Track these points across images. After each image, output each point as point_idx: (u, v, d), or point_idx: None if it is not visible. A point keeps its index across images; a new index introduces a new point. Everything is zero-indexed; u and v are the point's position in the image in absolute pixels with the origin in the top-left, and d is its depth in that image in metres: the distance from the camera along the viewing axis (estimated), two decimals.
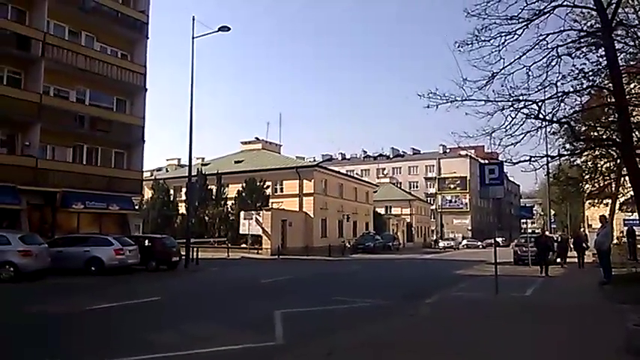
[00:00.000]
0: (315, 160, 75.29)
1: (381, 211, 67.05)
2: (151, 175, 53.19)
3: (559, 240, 28.77)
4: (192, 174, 28.98)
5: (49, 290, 15.88)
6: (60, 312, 11.36)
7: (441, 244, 71.48)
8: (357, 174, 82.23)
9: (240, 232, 38.59)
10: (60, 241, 20.92)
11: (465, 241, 75.16)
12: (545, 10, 11.90)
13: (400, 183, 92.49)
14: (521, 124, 12.52)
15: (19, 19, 25.06)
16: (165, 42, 63.30)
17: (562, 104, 12.76)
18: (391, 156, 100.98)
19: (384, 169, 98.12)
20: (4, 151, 24.38)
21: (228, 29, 25.51)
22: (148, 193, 42.40)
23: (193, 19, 26.10)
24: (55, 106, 25.57)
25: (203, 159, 57.41)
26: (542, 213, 76.30)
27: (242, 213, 38.63)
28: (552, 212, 50.03)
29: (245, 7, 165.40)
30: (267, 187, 43.06)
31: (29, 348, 7.87)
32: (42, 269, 17.78)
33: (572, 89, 12.66)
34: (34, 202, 24.46)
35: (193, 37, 25.94)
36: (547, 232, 29.60)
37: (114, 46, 29.64)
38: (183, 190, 34.79)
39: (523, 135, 12.60)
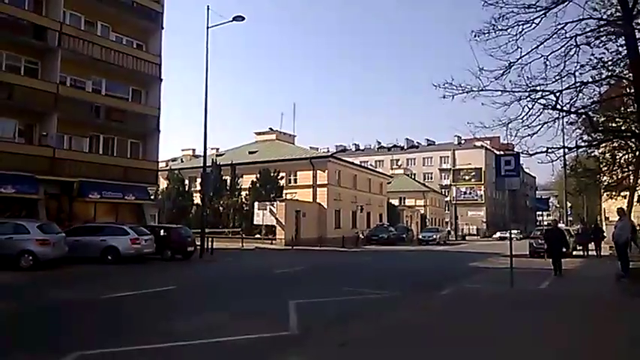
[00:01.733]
0: (328, 151, 75.13)
1: (395, 202, 66.87)
2: (166, 166, 53.49)
3: (579, 232, 28.51)
4: (207, 164, 29.11)
5: (67, 278, 16.12)
6: (76, 300, 11.52)
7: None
8: (371, 165, 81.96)
9: (254, 222, 38.76)
10: (77, 231, 21.17)
11: (498, 234, 73.32)
12: None
13: (414, 174, 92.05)
14: (538, 115, 12.37)
15: (36, 9, 25.29)
16: (180, 32, 63.40)
17: (580, 94, 12.58)
18: (405, 147, 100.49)
19: (398, 160, 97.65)
20: (23, 141, 24.68)
21: (243, 19, 25.48)
22: (163, 184, 42.73)
23: (208, 9, 26.12)
24: (71, 96, 25.82)
25: (217, 149, 57.61)
26: (558, 205, 75.49)
27: (256, 203, 38.78)
28: (569, 204, 49.45)
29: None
30: (281, 177, 43.11)
31: (47, 335, 8.00)
32: (59, 258, 18.05)
33: (590, 79, 12.47)
34: (52, 192, 24.78)
35: (208, 27, 25.97)
36: (561, 224, 29.18)
37: (129, 36, 29.83)
38: (198, 180, 34.97)
39: (540, 126, 12.45)
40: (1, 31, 22.94)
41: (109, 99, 27.98)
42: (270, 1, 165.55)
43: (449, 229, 59.00)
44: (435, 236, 49.91)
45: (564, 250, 18.34)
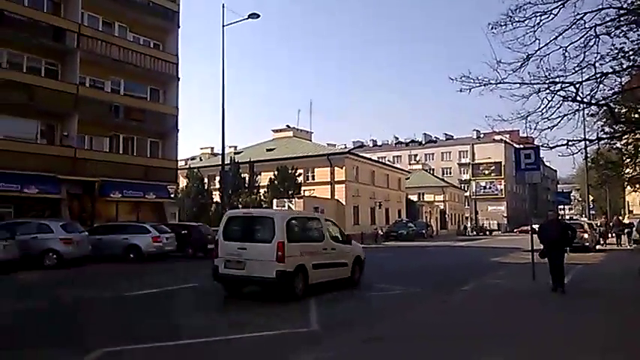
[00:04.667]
0: (346, 147, 75.00)
1: (414, 198, 66.56)
2: (186, 164, 53.98)
3: (600, 225, 28.12)
4: (226, 162, 29.27)
5: (90, 277, 16.37)
6: (100, 298, 11.70)
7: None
8: (389, 161, 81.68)
9: None
10: (99, 229, 21.53)
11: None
12: None
13: (433, 169, 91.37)
14: (558, 107, 12.12)
15: (55, 11, 25.69)
16: (196, 30, 63.97)
17: (601, 85, 12.27)
18: (423, 142, 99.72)
19: (416, 155, 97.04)
20: (44, 141, 25.10)
21: (258, 16, 25.55)
22: (183, 182, 43.13)
23: (223, 7, 26.19)
24: (91, 96, 26.20)
25: (236, 147, 57.92)
26: (580, 199, 74.40)
27: (274, 201, 38.93)
28: (591, 198, 48.73)
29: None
30: (299, 174, 43.19)
31: (71, 332, 8.14)
32: (83, 256, 18.35)
33: (611, 70, 12.18)
34: (74, 192, 25.19)
35: (223, 25, 26.05)
36: (584, 218, 28.75)
37: (146, 36, 30.13)
38: (217, 178, 35.24)
39: (560, 118, 12.19)
40: (21, 34, 23.33)
41: (127, 99, 28.32)
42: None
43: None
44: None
45: (567, 251, 12.90)
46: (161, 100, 30.51)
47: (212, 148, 75.91)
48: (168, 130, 30.15)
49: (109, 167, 26.20)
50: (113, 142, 28.28)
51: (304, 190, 42.92)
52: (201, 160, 68.42)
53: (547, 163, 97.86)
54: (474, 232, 70.10)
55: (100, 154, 26.96)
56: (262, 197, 41.86)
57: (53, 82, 24.91)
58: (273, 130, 57.68)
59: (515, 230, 72.36)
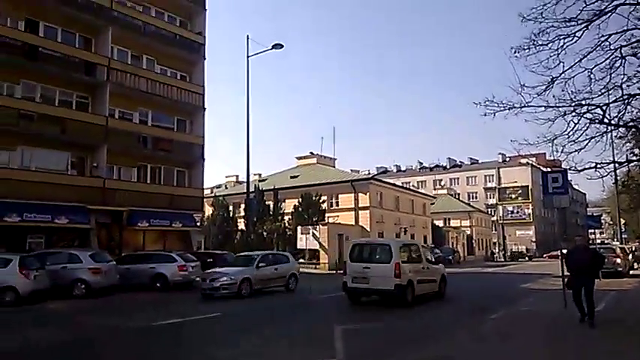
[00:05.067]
0: (369, 173, 74.70)
1: (440, 223, 65.75)
2: (211, 192, 54.50)
3: (634, 250, 27.36)
4: (250, 190, 29.48)
5: (118, 306, 16.54)
6: (128, 327, 11.79)
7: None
8: (413, 186, 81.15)
9: (298, 246, 38.78)
10: (127, 258, 21.79)
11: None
12: (607, 10, 11.35)
13: (458, 194, 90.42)
14: (585, 130, 11.95)
15: (86, 46, 26.59)
16: (221, 60, 65.73)
17: (628, 107, 12.12)
18: (448, 166, 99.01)
19: (440, 180, 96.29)
20: (75, 172, 25.70)
21: (281, 46, 25.97)
22: (208, 210, 43.47)
23: (248, 38, 26.74)
24: (120, 128, 26.82)
25: (260, 175, 58.34)
26: (610, 222, 72.54)
27: (299, 228, 38.88)
28: (622, 221, 47.46)
29: (295, 23, 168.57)
30: (323, 201, 43.14)
31: None
32: (110, 286, 18.58)
33: (638, 91, 12.03)
34: (102, 221, 25.63)
35: (248, 56, 26.55)
36: (615, 242, 28.01)
37: (173, 67, 30.86)
38: (242, 206, 35.44)
39: (587, 141, 12.01)
40: (54, 69, 24.21)
41: (155, 129, 28.94)
42: (307, 25, 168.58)
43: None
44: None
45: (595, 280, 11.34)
46: (187, 130, 31.07)
47: (237, 176, 76.60)
48: (195, 159, 30.61)
49: (137, 197, 26.64)
50: (141, 171, 28.81)
51: (328, 217, 42.80)
52: (226, 187, 69.01)
53: (575, 186, 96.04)
54: (503, 258, 68.77)
55: (128, 183, 27.48)
56: (287, 224, 41.88)
57: (84, 114, 25.64)
58: (297, 158, 58.06)
59: (544, 255, 70.80)
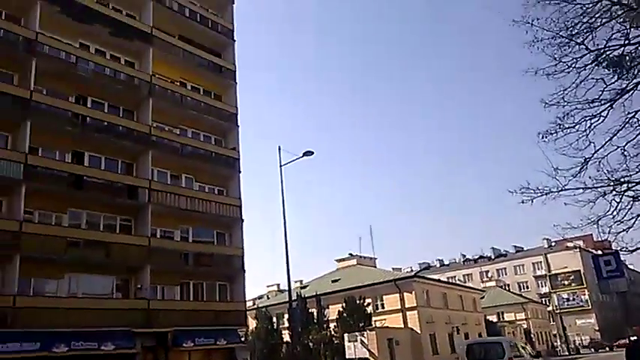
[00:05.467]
0: (412, 270, 73.04)
1: (493, 318, 62.37)
2: (254, 304, 53.72)
3: None
4: (292, 299, 28.78)
5: None
6: None
7: None
8: (459, 280, 78.50)
9: (347, 356, 36.96)
10: None
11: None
12: (628, 88, 11.31)
13: (508, 285, 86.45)
14: (630, 208, 11.40)
15: (128, 171, 27.80)
16: (254, 171, 68.40)
17: None
18: (493, 257, 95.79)
19: (487, 271, 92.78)
20: (119, 295, 25.75)
21: (312, 153, 26.17)
22: (252, 323, 42.47)
23: (279, 149, 27.22)
24: (162, 247, 27.15)
25: (301, 281, 57.47)
26: None
27: (346, 335, 37.30)
28: None
29: (324, 130, 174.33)
30: (368, 304, 41.67)
31: None
32: None
33: None
34: (148, 344, 25.08)
35: (281, 166, 26.87)
36: None
37: (211, 183, 31.77)
38: (286, 316, 34.52)
39: (634, 219, 11.43)
40: (100, 195, 25.18)
41: (196, 245, 29.22)
42: (335, 135, 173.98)
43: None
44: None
45: None
46: (227, 243, 31.26)
47: (278, 285, 75.91)
48: (236, 271, 30.45)
49: (181, 316, 26.30)
50: (183, 289, 28.68)
51: (375, 321, 41.06)
52: (268, 298, 68.13)
53: (630, 266, 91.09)
54: (567, 351, 64.04)
55: (172, 302, 27.30)
56: (333, 332, 40.35)
57: (127, 237, 26.21)
58: (336, 260, 57.17)
59: (613, 345, 65.65)
